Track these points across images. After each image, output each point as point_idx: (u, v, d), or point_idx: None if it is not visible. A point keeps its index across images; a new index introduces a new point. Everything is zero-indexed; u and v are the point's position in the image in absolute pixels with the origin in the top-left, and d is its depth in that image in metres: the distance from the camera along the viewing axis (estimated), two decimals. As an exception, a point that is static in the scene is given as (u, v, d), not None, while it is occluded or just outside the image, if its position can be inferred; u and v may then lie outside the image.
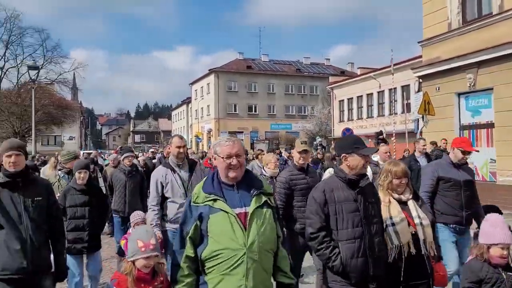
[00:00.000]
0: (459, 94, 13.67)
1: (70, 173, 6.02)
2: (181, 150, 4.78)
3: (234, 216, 2.45)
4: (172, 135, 4.66)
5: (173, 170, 4.75)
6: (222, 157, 2.57)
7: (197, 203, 2.53)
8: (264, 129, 53.69)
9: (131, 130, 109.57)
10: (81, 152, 24.46)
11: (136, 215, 4.93)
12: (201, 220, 2.49)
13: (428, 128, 13.76)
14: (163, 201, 4.73)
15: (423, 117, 13.19)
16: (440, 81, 14.15)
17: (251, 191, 2.58)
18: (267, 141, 46.86)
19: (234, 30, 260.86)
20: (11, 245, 3.24)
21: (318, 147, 18.48)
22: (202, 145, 53.18)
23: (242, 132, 52.56)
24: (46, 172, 9.72)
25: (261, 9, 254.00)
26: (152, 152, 19.04)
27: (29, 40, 54.83)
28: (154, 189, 4.72)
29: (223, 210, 2.46)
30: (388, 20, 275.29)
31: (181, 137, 4.93)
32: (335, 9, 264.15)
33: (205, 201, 2.50)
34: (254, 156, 13.69)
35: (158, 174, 4.77)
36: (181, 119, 73.80)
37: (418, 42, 15.26)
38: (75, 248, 4.89)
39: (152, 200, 4.74)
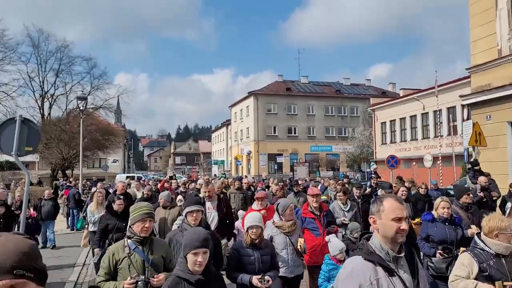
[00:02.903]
0: (512, 123, 13.08)
1: (144, 243, 3.72)
2: (403, 226, 2.38)
3: None
4: (382, 197, 2.48)
5: (389, 271, 2.34)
6: None
7: None
8: (304, 151, 53.37)
9: (171, 152, 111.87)
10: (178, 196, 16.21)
11: None
12: None
13: (479, 159, 13.19)
14: None
15: (474, 148, 12.67)
16: (491, 109, 13.58)
17: None
18: (307, 163, 46.43)
19: (272, 51, 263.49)
20: None
21: (373, 175, 15.60)
22: (242, 167, 53.39)
23: (281, 155, 52.47)
24: (92, 208, 9.04)
25: (298, 30, 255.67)
26: (191, 180, 18.79)
27: (78, 68, 57.60)
28: None
29: None
30: (428, 38, 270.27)
31: (401, 201, 2.51)
32: (373, 28, 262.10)
33: None
34: (335, 191, 10.60)
35: (361, 276, 2.31)
36: (220, 141, 74.67)
37: (467, 69, 14.77)
38: None
39: None
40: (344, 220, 7.30)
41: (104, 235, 6.96)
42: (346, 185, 12.81)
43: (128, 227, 3.72)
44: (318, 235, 6.12)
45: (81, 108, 22.53)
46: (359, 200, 8.89)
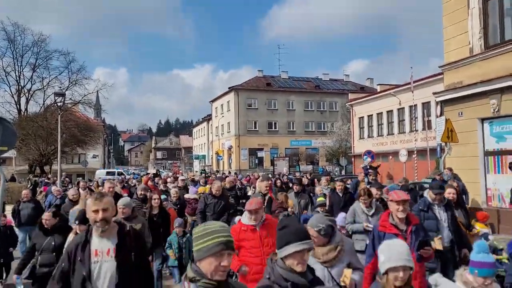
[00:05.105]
0: (482, 120, 13.50)
1: None
2: None
3: None
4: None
5: None
6: None
7: None
8: (284, 145, 53.78)
9: (152, 146, 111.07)
10: None
11: None
12: None
13: (451, 154, 13.65)
14: None
15: (446, 144, 13.09)
16: (462, 106, 14.00)
17: None
18: (287, 158, 46.83)
19: (251, 47, 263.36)
20: None
21: (370, 170, 13.84)
22: (223, 162, 53.48)
23: (262, 149, 52.75)
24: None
25: (277, 26, 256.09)
26: (175, 177, 18.46)
27: (55, 63, 56.59)
28: None
29: None
30: (405, 35, 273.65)
31: None
32: (350, 25, 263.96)
33: None
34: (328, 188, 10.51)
35: None
36: (201, 136, 74.55)
37: (440, 67, 15.18)
38: None
39: None
40: (367, 226, 6.25)
41: (31, 258, 5.69)
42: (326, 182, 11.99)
43: (190, 262, 2.33)
44: None
45: (59, 104, 22.27)
46: (377, 203, 7.34)
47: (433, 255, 4.42)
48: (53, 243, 5.54)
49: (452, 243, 5.55)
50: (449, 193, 6.30)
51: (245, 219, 4.84)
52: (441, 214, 5.74)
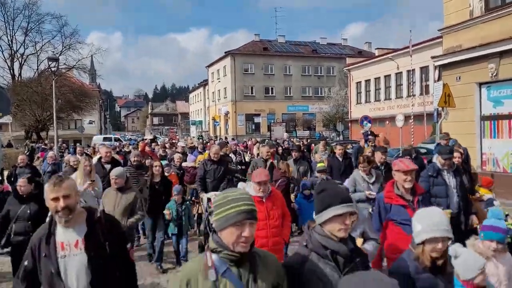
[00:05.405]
0: (480, 84, 13.42)
1: (242, 261, 2.12)
2: None
3: None
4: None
5: None
6: None
7: None
8: (281, 111, 53.64)
9: (149, 112, 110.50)
10: None
11: None
12: None
13: (448, 118, 13.64)
14: None
15: (443, 109, 13.07)
16: (461, 70, 13.88)
17: None
18: (284, 123, 46.82)
19: (248, 10, 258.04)
20: None
21: (370, 136, 13.52)
22: (220, 128, 53.45)
23: (259, 115, 52.63)
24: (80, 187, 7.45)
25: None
26: (171, 142, 18.35)
27: (48, 27, 55.56)
28: None
29: None
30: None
31: None
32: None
33: None
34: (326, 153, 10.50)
35: None
36: (198, 101, 74.14)
37: (439, 30, 14.92)
38: None
39: None
40: (370, 194, 6.10)
41: (5, 226, 5.45)
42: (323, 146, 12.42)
43: (212, 233, 2.18)
44: (412, 232, 4.14)
45: (53, 69, 21.95)
46: (382, 167, 7.06)
47: None
48: (28, 211, 5.33)
49: (459, 209, 5.50)
50: (454, 157, 6.11)
51: (251, 190, 4.50)
52: (450, 180, 5.61)
